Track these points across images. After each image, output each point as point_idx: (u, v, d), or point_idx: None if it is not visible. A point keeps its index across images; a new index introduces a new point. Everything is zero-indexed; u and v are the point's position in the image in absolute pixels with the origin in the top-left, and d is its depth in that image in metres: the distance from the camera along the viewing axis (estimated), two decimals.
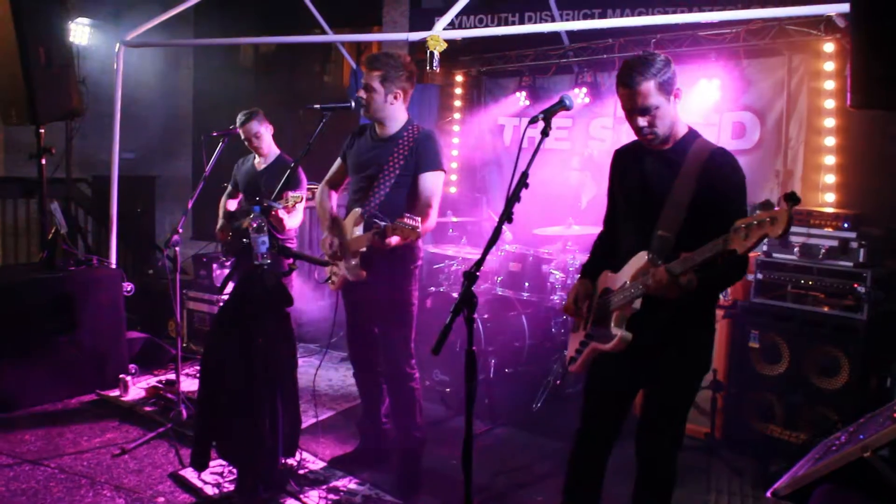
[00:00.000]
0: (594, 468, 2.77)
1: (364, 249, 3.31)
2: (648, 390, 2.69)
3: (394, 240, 3.08)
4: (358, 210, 3.39)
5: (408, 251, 3.42)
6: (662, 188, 2.51)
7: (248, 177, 4.74)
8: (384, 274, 3.40)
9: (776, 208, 2.06)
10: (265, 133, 4.67)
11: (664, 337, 2.54)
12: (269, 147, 4.71)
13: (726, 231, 2.16)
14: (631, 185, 2.68)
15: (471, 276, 2.28)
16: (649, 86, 2.45)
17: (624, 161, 2.76)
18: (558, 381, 4.75)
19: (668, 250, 2.43)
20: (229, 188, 4.93)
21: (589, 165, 5.34)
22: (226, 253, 5.08)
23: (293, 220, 4.40)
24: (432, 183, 3.38)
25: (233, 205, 4.91)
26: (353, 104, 3.40)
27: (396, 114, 3.46)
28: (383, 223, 3.08)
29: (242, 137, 4.65)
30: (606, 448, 2.75)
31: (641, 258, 2.49)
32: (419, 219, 3.01)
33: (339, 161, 3.70)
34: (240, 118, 4.64)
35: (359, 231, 3.34)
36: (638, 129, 2.54)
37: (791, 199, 1.98)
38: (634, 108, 2.49)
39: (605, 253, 2.81)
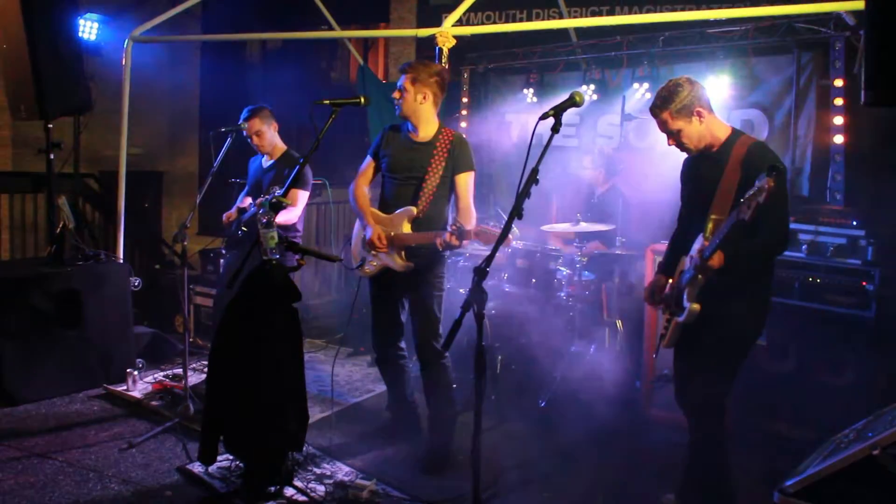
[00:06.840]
0: None
1: (413, 244, 3.65)
2: (686, 353, 3.08)
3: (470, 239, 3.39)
4: (411, 209, 3.67)
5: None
6: (713, 181, 2.91)
7: (256, 175, 4.74)
8: (421, 262, 3.71)
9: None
10: (267, 130, 4.65)
11: (707, 306, 2.87)
12: (271, 145, 4.69)
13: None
14: (691, 186, 3.16)
15: (481, 272, 2.29)
16: (666, 116, 2.95)
17: (687, 167, 3.22)
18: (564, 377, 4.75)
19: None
20: (247, 187, 4.95)
21: (601, 161, 5.36)
22: (226, 246, 5.10)
23: (287, 215, 4.40)
24: (467, 183, 3.76)
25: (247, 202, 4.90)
26: (362, 100, 3.48)
27: (428, 116, 3.75)
28: (461, 227, 3.36)
29: (244, 134, 4.64)
30: None
31: (700, 240, 2.89)
32: (495, 226, 3.43)
33: (369, 159, 3.94)
34: (243, 114, 4.64)
35: (408, 228, 3.66)
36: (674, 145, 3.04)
37: (772, 170, 2.43)
38: (661, 130, 3.02)
39: (677, 249, 3.21)
